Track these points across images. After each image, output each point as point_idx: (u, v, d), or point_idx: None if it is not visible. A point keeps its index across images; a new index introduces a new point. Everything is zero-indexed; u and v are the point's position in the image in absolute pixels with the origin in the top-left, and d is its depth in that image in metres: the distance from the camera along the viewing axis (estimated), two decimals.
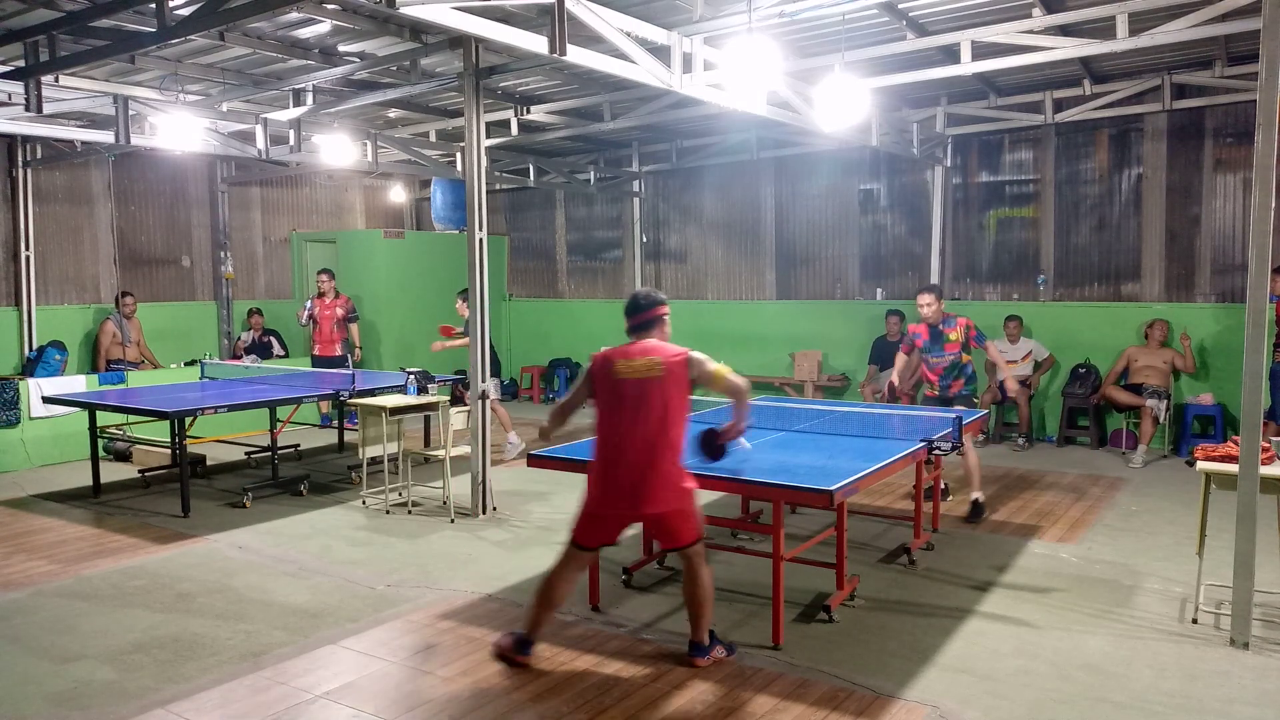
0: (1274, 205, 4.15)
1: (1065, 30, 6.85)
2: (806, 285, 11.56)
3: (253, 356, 11.31)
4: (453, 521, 6.67)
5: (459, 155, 10.84)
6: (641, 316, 4.25)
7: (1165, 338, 9.01)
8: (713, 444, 4.40)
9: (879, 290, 10.97)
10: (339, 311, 10.62)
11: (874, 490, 7.22)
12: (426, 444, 8.14)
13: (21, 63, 6.78)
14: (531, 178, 11.97)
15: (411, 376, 7.40)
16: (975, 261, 10.34)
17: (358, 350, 10.65)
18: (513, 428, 9.25)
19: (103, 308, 11.04)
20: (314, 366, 10.42)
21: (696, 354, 4.11)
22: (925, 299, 6.78)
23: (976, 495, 6.64)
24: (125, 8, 5.58)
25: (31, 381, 8.86)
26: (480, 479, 6.80)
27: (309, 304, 10.70)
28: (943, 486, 6.89)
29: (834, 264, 11.34)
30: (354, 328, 10.78)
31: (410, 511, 6.96)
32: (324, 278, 10.70)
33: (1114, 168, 9.53)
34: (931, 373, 6.89)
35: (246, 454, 8.74)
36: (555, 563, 4.25)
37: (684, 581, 4.17)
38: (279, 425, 8.17)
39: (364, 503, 7.23)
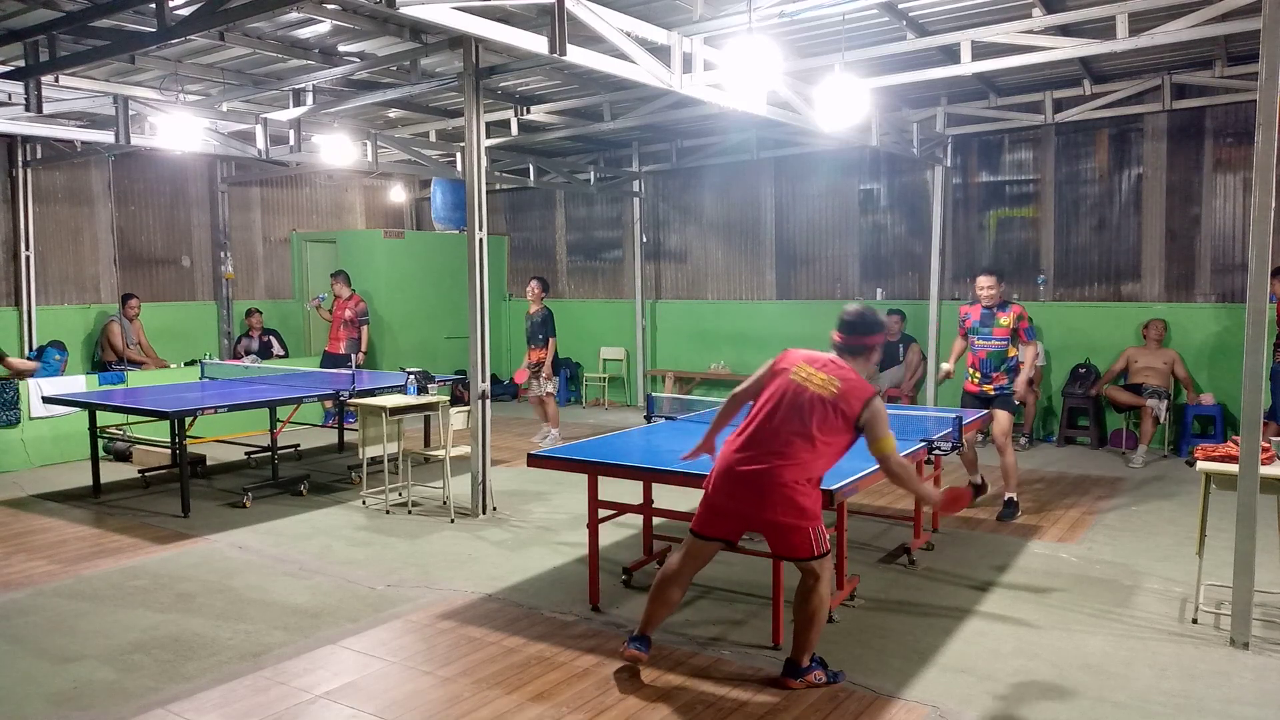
0: (1274, 205, 4.15)
1: (1065, 30, 6.85)
2: (806, 285, 11.56)
3: (252, 356, 11.31)
4: (453, 521, 6.67)
5: (459, 155, 10.83)
6: (858, 339, 3.95)
7: (1162, 337, 9.02)
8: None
9: (879, 290, 10.97)
10: (347, 313, 10.90)
11: (874, 490, 7.22)
12: (426, 444, 8.14)
13: (21, 63, 6.78)
14: (531, 178, 11.97)
15: (411, 376, 7.40)
16: (975, 261, 10.31)
17: (359, 354, 10.70)
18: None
19: (104, 308, 11.04)
20: (323, 361, 10.93)
21: (880, 404, 3.82)
22: (986, 281, 6.67)
23: (1010, 494, 6.67)
24: (125, 8, 5.58)
25: (31, 381, 8.86)
26: (480, 479, 6.80)
27: (323, 296, 11.43)
28: (980, 482, 6.86)
29: (834, 264, 11.34)
30: (364, 330, 10.93)
31: (410, 511, 6.96)
32: (333, 281, 11.09)
33: (1114, 168, 9.53)
34: (975, 356, 6.71)
35: (246, 454, 8.74)
36: (676, 555, 4.09)
37: (795, 596, 3.97)
38: (279, 425, 8.17)
39: (364, 503, 7.23)
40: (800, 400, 3.79)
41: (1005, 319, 6.61)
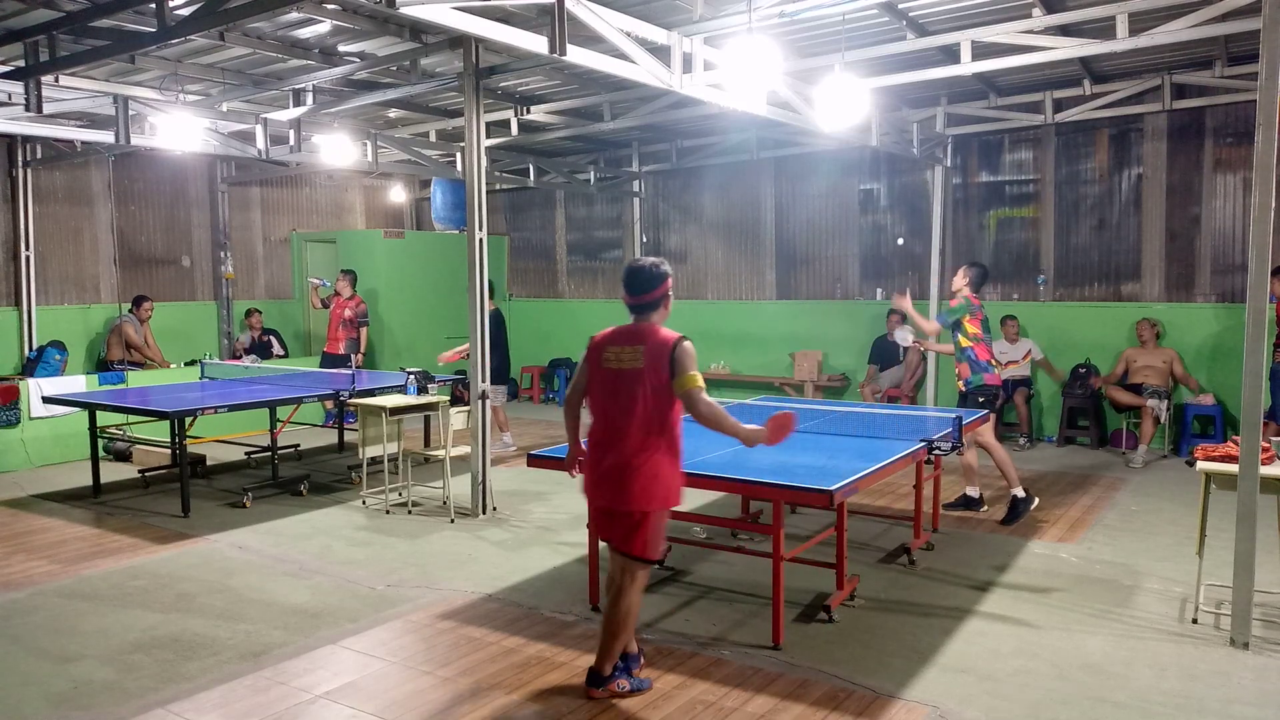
0: (1274, 205, 4.15)
1: (1065, 30, 6.85)
2: (806, 285, 11.56)
3: (252, 356, 11.31)
4: (453, 521, 6.67)
5: (459, 155, 10.83)
6: (645, 297, 3.86)
7: (1156, 335, 9.03)
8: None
9: (879, 290, 10.96)
10: (346, 313, 10.84)
11: (874, 490, 7.22)
12: (426, 444, 8.14)
13: (21, 63, 6.78)
14: (531, 178, 11.97)
15: (411, 376, 7.40)
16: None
17: (357, 356, 10.69)
18: (508, 428, 9.45)
19: (104, 308, 11.04)
20: (322, 361, 10.84)
21: (686, 346, 3.73)
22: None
23: (1015, 491, 6.56)
24: (125, 8, 5.58)
25: (31, 381, 8.86)
26: (480, 479, 6.80)
27: (325, 283, 11.02)
28: (977, 496, 6.86)
29: (834, 264, 11.34)
30: (363, 331, 10.90)
31: (410, 511, 6.96)
32: (339, 277, 10.98)
33: (1114, 168, 9.53)
34: None
35: (246, 454, 8.74)
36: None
37: (608, 598, 3.91)
38: (279, 425, 8.17)
39: (364, 503, 7.23)
40: (622, 383, 3.75)
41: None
